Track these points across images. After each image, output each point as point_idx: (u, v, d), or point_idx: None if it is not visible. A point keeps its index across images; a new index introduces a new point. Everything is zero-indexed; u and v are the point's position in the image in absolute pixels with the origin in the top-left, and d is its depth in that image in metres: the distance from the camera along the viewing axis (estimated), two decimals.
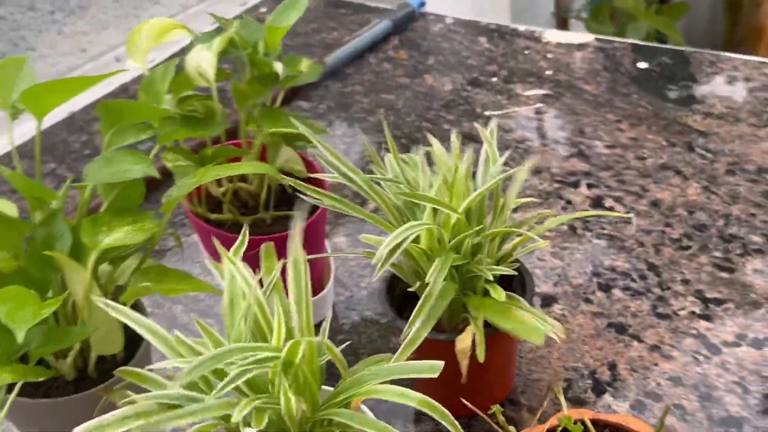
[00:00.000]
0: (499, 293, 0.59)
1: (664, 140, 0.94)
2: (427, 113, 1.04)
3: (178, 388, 0.50)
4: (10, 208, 0.60)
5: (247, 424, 0.48)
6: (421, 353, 0.60)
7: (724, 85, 1.03)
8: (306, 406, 0.50)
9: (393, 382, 0.50)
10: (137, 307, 0.61)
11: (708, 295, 0.75)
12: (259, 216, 0.72)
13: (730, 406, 0.66)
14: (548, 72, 1.10)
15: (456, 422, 0.48)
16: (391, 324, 0.76)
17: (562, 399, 0.54)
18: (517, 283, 0.66)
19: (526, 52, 1.15)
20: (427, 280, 0.57)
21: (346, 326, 0.77)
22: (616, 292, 0.77)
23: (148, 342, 0.60)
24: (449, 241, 0.60)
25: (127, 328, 0.58)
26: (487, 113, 1.02)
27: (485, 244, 0.62)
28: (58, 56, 1.10)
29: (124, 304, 0.58)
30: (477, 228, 0.61)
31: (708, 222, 0.83)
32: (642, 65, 1.09)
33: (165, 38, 0.69)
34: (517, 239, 0.65)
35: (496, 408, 0.50)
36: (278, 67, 0.68)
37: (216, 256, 0.72)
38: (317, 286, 0.75)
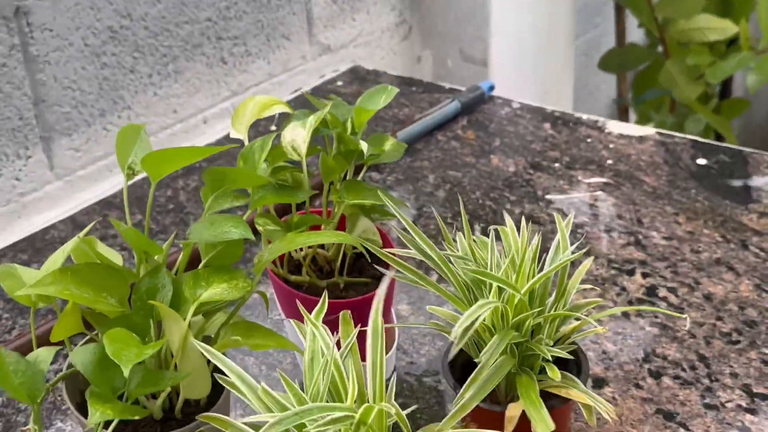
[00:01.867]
0: (555, 373, 0.63)
1: (720, 236, 0.98)
2: (491, 192, 1.09)
3: None
4: (117, 258, 0.67)
5: None
6: (477, 422, 0.64)
7: None
8: None
9: None
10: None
11: (755, 390, 0.78)
12: (334, 280, 0.78)
13: None
14: (609, 161, 1.15)
15: None
16: (448, 392, 0.80)
17: None
18: (573, 365, 0.70)
19: (589, 140, 1.20)
20: (483, 353, 0.61)
21: (406, 391, 0.81)
22: (666, 380, 0.80)
23: (229, 391, 0.65)
24: (512, 319, 0.65)
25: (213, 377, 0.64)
26: (548, 196, 1.08)
27: (545, 325, 0.67)
28: (151, 116, 1.19)
29: None
30: (538, 309, 0.66)
31: (758, 318, 0.86)
32: (701, 161, 1.14)
33: (266, 112, 0.76)
34: (576, 323, 0.69)
35: None
36: (363, 146, 0.75)
37: (291, 314, 0.78)
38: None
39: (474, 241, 0.71)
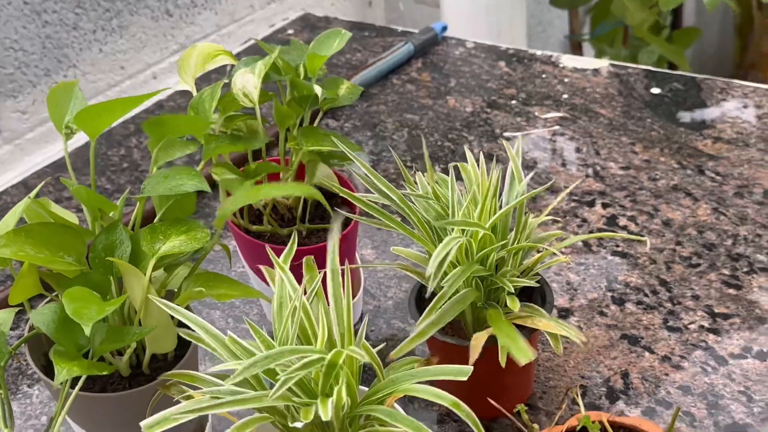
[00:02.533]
0: (515, 304, 0.64)
1: (676, 163, 0.99)
2: (449, 133, 1.09)
3: (230, 385, 0.54)
4: (72, 218, 0.66)
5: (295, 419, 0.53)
6: (445, 357, 0.65)
7: (734, 111, 1.08)
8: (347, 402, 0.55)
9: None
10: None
11: (716, 310, 0.80)
12: (295, 228, 0.77)
13: (735, 413, 0.70)
14: (564, 96, 1.15)
15: (480, 424, 0.53)
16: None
17: (579, 401, 0.58)
18: (538, 296, 0.71)
19: (544, 76, 1.20)
20: (443, 283, 0.62)
21: (374, 333, 0.81)
22: (630, 306, 0.81)
23: (196, 345, 0.65)
24: (476, 254, 0.65)
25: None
26: (506, 134, 1.07)
27: (508, 259, 0.67)
28: (98, 73, 1.16)
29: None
30: (502, 243, 0.66)
31: (716, 241, 0.88)
32: (655, 90, 1.14)
33: (212, 63, 0.74)
34: (538, 254, 0.70)
35: (521, 407, 0.55)
36: (317, 90, 0.74)
37: (254, 265, 0.77)
38: None
39: (436, 182, 0.71)
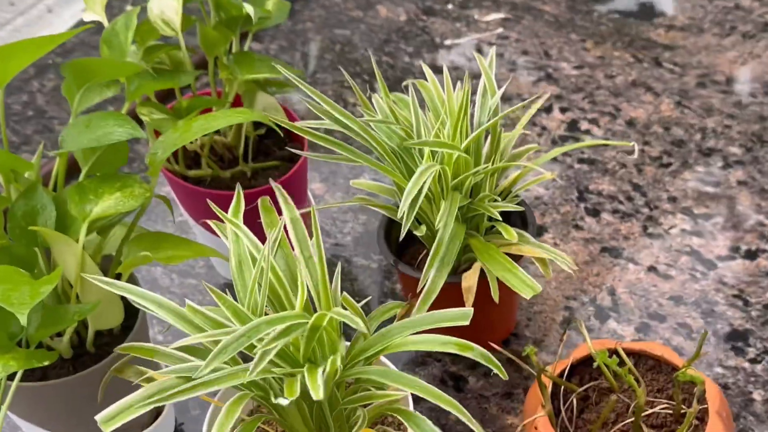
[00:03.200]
0: (510, 233, 0.58)
1: (631, 56, 0.93)
2: (385, 46, 1.01)
3: (199, 362, 0.47)
4: None
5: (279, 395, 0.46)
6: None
7: None
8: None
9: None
10: (131, 278, 0.57)
11: (696, 211, 0.75)
12: (239, 169, 0.69)
13: (733, 320, 0.66)
14: None
15: (493, 357, 0.47)
16: (381, 268, 0.74)
17: (584, 331, 0.53)
18: (516, 218, 0.65)
19: None
20: (437, 225, 0.55)
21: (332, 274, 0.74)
22: (606, 216, 0.76)
23: (145, 313, 0.57)
24: (451, 181, 0.58)
25: (123, 299, 0.55)
26: (447, 42, 1.00)
27: (485, 182, 0.61)
28: None
29: (119, 276, 0.55)
30: (483, 166, 0.59)
31: (685, 137, 0.83)
32: None
33: None
34: (515, 174, 0.63)
35: (530, 349, 0.49)
36: (248, 8, 0.64)
37: (198, 215, 0.69)
38: None
39: (394, 102, 0.63)
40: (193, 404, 0.65)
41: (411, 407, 0.51)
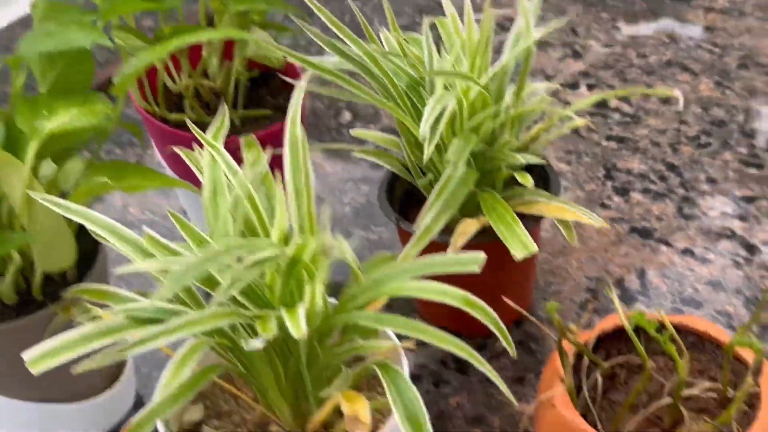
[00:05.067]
0: (526, 178, 0.50)
1: (666, 37, 0.86)
2: None
3: (154, 301, 0.39)
4: None
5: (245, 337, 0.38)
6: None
7: None
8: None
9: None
10: None
11: (738, 193, 0.67)
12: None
13: None
14: None
15: (501, 322, 0.39)
16: (382, 241, 0.66)
17: (614, 298, 0.45)
18: (539, 181, 0.57)
19: None
20: (447, 158, 0.47)
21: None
22: (636, 195, 0.68)
23: (105, 254, 0.49)
24: (467, 121, 0.51)
25: (78, 241, 0.47)
26: None
27: (506, 128, 0.53)
28: None
29: None
30: (503, 107, 0.51)
31: (725, 117, 0.75)
32: None
33: None
34: (539, 126, 0.55)
35: (550, 305, 0.41)
36: None
37: (176, 164, 0.61)
38: None
39: (405, 39, 0.56)
40: (157, 374, 0.57)
41: (405, 367, 0.42)
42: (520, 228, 0.48)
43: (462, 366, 0.57)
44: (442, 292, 0.38)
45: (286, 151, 0.43)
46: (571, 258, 0.63)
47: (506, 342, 0.39)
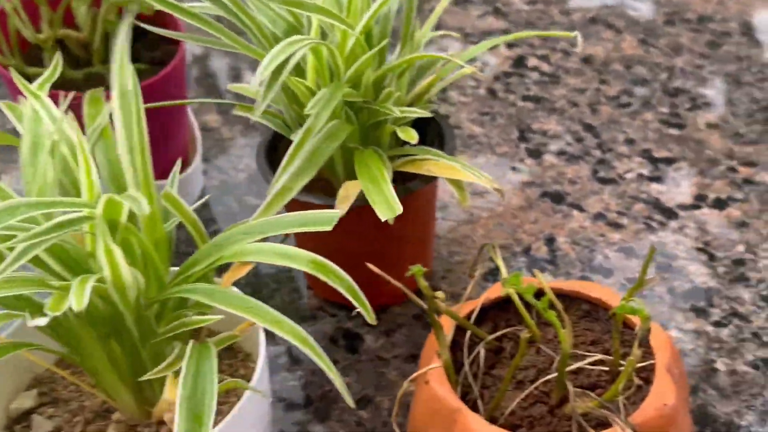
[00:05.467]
0: (409, 134, 0.45)
1: None
2: None
3: None
4: None
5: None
6: None
7: None
8: (146, 282, 0.35)
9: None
10: None
11: (657, 155, 0.63)
12: (93, 70, 0.56)
13: (695, 276, 0.54)
14: None
15: (356, 286, 0.34)
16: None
17: (499, 262, 0.40)
18: (434, 138, 0.52)
19: None
20: (306, 111, 0.42)
21: (221, 214, 0.61)
22: (549, 158, 0.64)
23: None
24: (344, 72, 0.45)
25: None
26: None
27: (391, 81, 0.48)
28: None
29: None
30: (378, 50, 0.46)
31: (649, 76, 0.71)
32: None
33: None
34: (430, 78, 0.50)
35: (416, 269, 0.36)
36: None
37: None
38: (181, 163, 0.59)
39: None
40: None
41: (262, 348, 0.37)
42: (388, 188, 0.43)
43: (352, 344, 0.52)
44: (285, 255, 0.34)
45: (116, 105, 0.37)
46: (477, 225, 0.59)
47: (364, 309, 0.35)
